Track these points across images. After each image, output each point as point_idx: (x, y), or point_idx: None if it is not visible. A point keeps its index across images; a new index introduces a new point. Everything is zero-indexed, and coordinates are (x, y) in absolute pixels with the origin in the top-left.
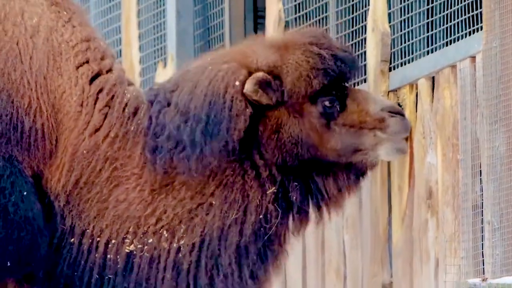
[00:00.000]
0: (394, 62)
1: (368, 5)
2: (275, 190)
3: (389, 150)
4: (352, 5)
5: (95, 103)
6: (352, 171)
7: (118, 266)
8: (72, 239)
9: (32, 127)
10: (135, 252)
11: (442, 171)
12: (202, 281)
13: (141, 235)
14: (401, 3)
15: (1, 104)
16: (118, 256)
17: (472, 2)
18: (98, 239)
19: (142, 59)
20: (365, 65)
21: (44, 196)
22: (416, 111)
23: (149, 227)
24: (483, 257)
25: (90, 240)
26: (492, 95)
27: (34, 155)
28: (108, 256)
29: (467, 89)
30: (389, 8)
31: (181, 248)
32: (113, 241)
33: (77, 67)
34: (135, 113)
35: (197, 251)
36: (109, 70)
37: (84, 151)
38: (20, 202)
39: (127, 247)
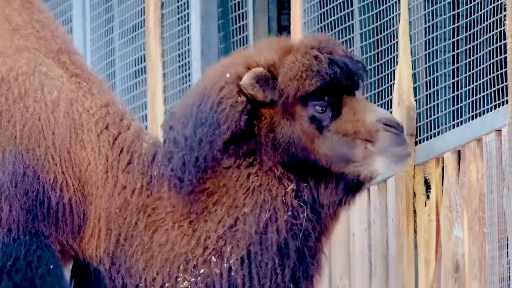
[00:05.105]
0: (420, 136)
1: (394, 79)
2: (295, 187)
3: (384, 164)
4: (378, 79)
5: (118, 165)
6: (343, 181)
7: None
8: None
9: (59, 202)
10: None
11: (469, 244)
12: None
13: (192, 269)
14: (426, 77)
15: (28, 180)
16: None
17: (497, 75)
18: None
19: None
20: None
21: (85, 268)
22: (443, 184)
23: (198, 258)
24: None
25: None
26: None
27: (63, 229)
28: None
29: (493, 163)
30: (415, 82)
31: (232, 267)
32: (166, 284)
33: (98, 135)
34: (153, 159)
35: (246, 264)
36: (127, 129)
37: (117, 210)
38: (47, 275)
39: (181, 285)
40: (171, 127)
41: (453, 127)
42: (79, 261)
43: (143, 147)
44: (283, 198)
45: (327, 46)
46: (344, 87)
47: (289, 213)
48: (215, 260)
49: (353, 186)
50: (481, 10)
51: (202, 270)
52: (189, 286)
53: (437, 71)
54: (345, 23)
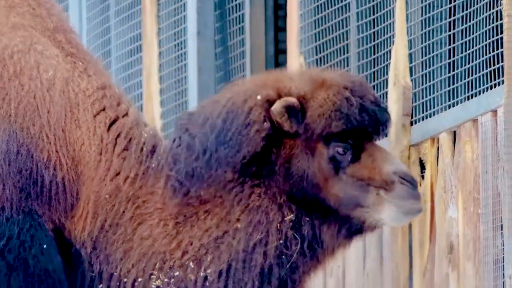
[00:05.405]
0: (415, 116)
1: (390, 59)
2: (293, 218)
3: (393, 214)
4: (374, 59)
5: (113, 149)
6: (347, 225)
7: None
8: (100, 285)
9: (52, 181)
10: (161, 287)
11: (463, 225)
12: None
13: (168, 270)
14: (422, 57)
15: (21, 159)
16: None
17: (493, 56)
18: (125, 280)
19: (164, 114)
20: None
21: (69, 248)
22: (438, 165)
23: (175, 261)
24: None
25: (118, 283)
26: None
27: (56, 208)
28: None
29: (488, 143)
30: (411, 62)
31: (208, 277)
32: (139, 279)
33: (95, 116)
34: (153, 150)
35: (224, 277)
36: (125, 115)
37: (107, 196)
38: (40, 255)
39: (154, 283)
40: (187, 129)
41: (449, 107)
42: (65, 240)
43: (142, 135)
44: (278, 225)
45: (360, 90)
46: (368, 133)
47: (281, 241)
48: (192, 266)
49: (356, 231)
50: None
51: (177, 273)
52: (161, 286)
53: (433, 51)
54: (341, 2)
